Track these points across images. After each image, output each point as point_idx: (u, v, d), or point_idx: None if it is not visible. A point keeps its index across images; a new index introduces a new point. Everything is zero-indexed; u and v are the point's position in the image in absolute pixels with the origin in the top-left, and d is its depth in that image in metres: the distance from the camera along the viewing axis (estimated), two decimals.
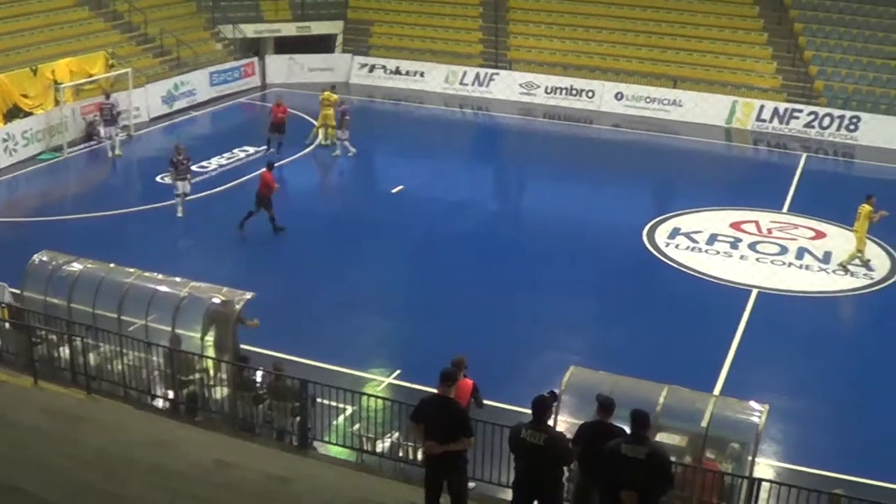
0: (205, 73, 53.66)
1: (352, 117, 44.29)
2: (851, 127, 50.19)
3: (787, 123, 51.28)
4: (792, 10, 55.65)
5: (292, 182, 40.72)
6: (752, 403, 18.75)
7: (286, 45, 60.34)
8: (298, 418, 20.19)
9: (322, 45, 61.24)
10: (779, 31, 55.33)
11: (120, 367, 21.83)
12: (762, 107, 51.92)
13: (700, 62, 54.79)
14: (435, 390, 15.39)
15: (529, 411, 14.62)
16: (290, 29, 60.41)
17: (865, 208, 32.92)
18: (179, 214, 35.47)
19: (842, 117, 50.49)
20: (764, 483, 17.03)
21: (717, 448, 18.06)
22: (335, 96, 45.76)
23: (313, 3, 61.45)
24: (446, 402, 15.23)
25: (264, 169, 35.09)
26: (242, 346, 22.73)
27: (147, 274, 23.71)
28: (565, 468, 15.22)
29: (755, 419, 18.08)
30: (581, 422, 16.56)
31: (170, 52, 53.52)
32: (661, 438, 17.53)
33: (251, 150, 44.09)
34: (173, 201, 36.04)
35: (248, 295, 22.55)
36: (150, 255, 29.26)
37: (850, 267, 33.04)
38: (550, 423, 15.36)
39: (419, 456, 18.86)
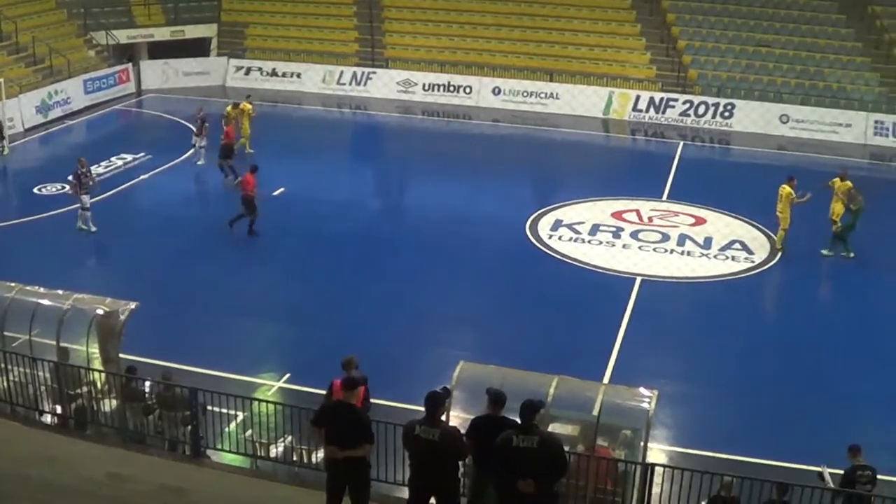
0: (79, 81, 52.81)
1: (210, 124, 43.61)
2: (726, 114, 51.04)
3: (664, 113, 51.97)
4: (664, 1, 56.36)
5: (171, 190, 40.23)
6: (642, 390, 18.92)
7: (160, 50, 59.55)
8: (190, 427, 19.99)
9: (197, 48, 60.57)
10: (651, 22, 56.04)
11: (5, 383, 21.41)
12: (638, 97, 52.58)
13: (575, 55, 55.27)
14: (323, 391, 15.33)
15: (422, 408, 14.58)
16: (163, 33, 59.65)
17: (786, 189, 33.66)
18: (93, 229, 34.74)
19: (716, 105, 51.33)
20: (657, 468, 17.21)
21: (610, 435, 18.21)
22: (250, 105, 45.22)
23: (186, 7, 60.74)
24: (348, 409, 15.10)
25: (248, 172, 35.41)
26: (128, 357, 22.40)
27: (28, 288, 23.26)
28: (461, 463, 15.21)
29: (645, 405, 18.24)
30: (473, 416, 16.60)
31: (43, 61, 52.59)
32: (554, 429, 17.62)
33: (129, 157, 43.47)
34: (57, 212, 35.52)
35: (132, 305, 22.21)
36: (32, 269, 28.72)
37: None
38: (443, 418, 15.37)
39: (314, 459, 18.83)
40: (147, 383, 21.05)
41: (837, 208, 34.41)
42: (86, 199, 34.84)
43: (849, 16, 54.16)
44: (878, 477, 17.75)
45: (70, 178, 35.32)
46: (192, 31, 60.45)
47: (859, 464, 17.77)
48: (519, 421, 14.13)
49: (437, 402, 14.74)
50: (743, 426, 23.48)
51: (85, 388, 21.26)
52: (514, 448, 13.89)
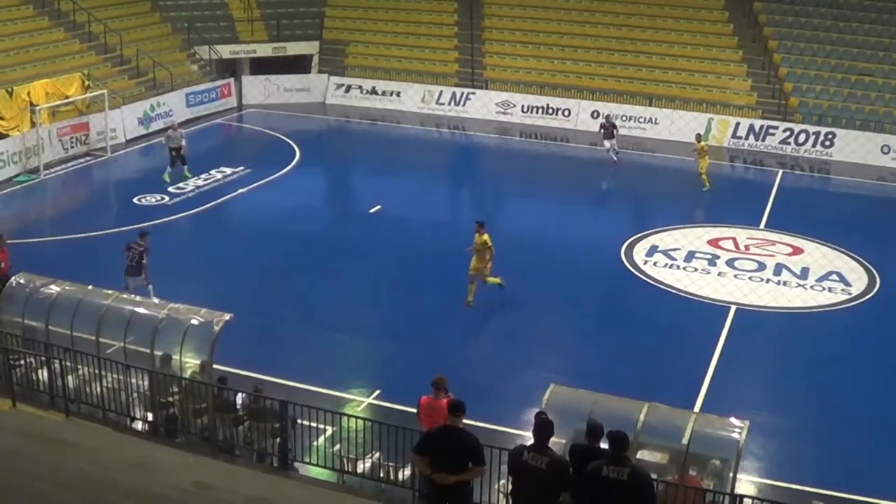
0: (181, 95, 53.57)
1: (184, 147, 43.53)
2: (827, 143, 50.43)
3: (763, 140, 51.49)
4: (766, 28, 55.92)
5: (268, 204, 40.61)
6: (733, 420, 18.72)
7: (262, 66, 60.21)
8: (279, 439, 20.12)
9: (298, 65, 61.16)
10: (753, 48, 55.58)
11: (99, 389, 21.70)
12: (738, 124, 52.13)
13: (675, 80, 54.98)
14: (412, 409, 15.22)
15: (511, 430, 14.55)
16: (265, 50, 60.31)
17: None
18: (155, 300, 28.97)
19: (817, 133, 50.72)
20: (746, 499, 17.00)
21: (699, 465, 18.02)
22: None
23: (289, 24, 61.36)
24: (457, 433, 15.03)
25: None
26: (221, 368, 22.60)
27: (125, 296, 23.61)
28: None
29: (736, 435, 18.05)
30: (562, 441, 16.54)
31: (146, 74, 53.42)
32: (643, 456, 17.51)
33: (228, 170, 44.01)
34: (151, 223, 35.93)
35: (227, 316, 22.41)
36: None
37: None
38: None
39: (401, 476, 18.85)
40: (239, 395, 21.23)
41: None
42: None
43: None
44: None
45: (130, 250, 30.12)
46: (294, 48, 61.00)
47: None
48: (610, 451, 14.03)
49: (547, 429, 14.63)
50: (834, 461, 23.16)
51: (177, 397, 21.49)
52: (603, 478, 13.77)
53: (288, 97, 58.38)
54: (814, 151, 50.53)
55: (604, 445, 14.80)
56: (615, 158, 47.38)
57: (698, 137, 45.06)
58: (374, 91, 58.90)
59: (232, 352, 23.39)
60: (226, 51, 59.13)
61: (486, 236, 30.44)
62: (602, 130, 48.27)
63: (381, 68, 59.92)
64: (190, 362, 22.52)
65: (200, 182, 42.17)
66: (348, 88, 59.47)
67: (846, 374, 27.72)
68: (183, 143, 42.92)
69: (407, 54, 60.53)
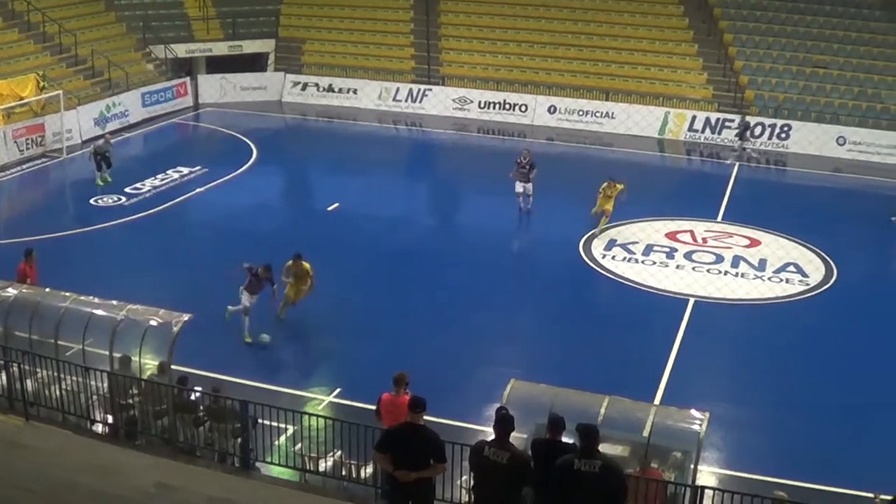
0: (136, 94, 53.30)
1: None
2: (783, 135, 50.75)
3: (720, 133, 51.77)
4: (721, 21, 56.19)
5: (226, 203, 40.46)
6: (693, 411, 18.82)
7: (218, 65, 60.02)
8: (240, 439, 20.05)
9: (254, 63, 61.04)
10: (709, 42, 55.85)
11: (58, 392, 21.56)
12: (694, 117, 52.43)
13: (632, 74, 55.16)
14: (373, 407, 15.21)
15: (472, 426, 14.56)
16: (221, 48, 60.09)
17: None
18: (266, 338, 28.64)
19: (773, 126, 51.04)
20: (707, 491, 17.08)
21: (660, 457, 18.10)
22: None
23: (245, 22, 61.15)
24: (418, 430, 15.00)
25: None
26: (181, 368, 22.52)
27: (83, 298, 23.45)
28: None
29: (696, 427, 18.16)
30: (524, 435, 16.57)
31: (101, 74, 53.11)
32: (604, 449, 17.46)
33: (185, 170, 43.82)
34: (108, 224, 35.77)
35: (186, 317, 22.33)
36: (85, 279, 28.95)
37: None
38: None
39: (363, 474, 18.84)
40: (197, 394, 21.16)
41: None
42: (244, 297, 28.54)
43: None
44: None
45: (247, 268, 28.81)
46: (250, 46, 60.86)
47: None
48: (576, 444, 14.05)
49: (508, 424, 14.63)
50: (794, 450, 23.29)
51: (137, 399, 21.39)
52: (575, 472, 13.79)
53: (244, 95, 58.22)
54: (770, 144, 50.83)
55: (565, 439, 14.85)
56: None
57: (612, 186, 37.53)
58: (330, 88, 58.83)
59: (192, 352, 23.30)
60: (181, 50, 58.81)
61: (307, 265, 29.44)
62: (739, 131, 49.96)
63: (337, 65, 59.86)
64: (149, 363, 22.46)
65: (157, 182, 41.98)
66: (305, 86, 59.37)
67: (804, 365, 27.92)
68: (110, 149, 42.54)
69: (363, 51, 60.49)
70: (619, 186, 36.58)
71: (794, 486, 20.46)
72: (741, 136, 49.28)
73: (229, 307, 28.41)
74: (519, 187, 39.32)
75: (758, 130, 51.01)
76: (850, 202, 43.49)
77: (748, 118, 50.22)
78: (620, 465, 14.77)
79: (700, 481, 17.96)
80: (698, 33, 56.34)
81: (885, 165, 47.36)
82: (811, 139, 50.19)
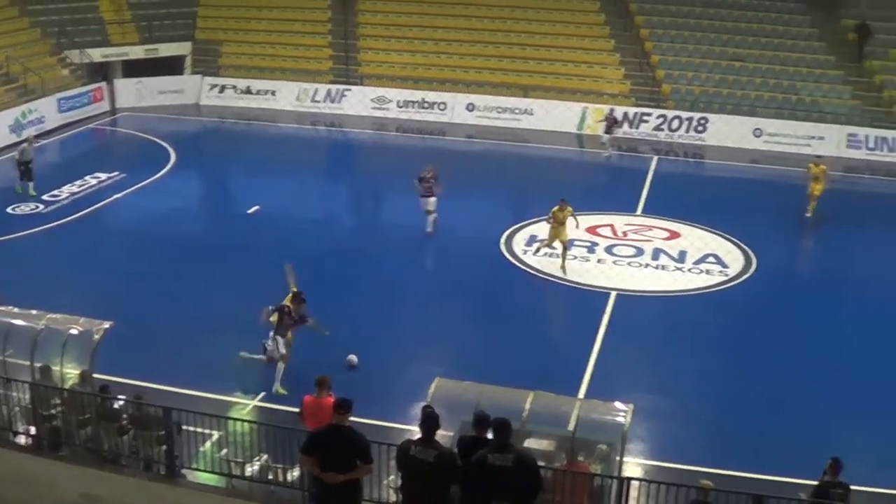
0: (52, 100, 52.58)
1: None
2: (700, 128, 51.26)
3: (637, 127, 52.16)
4: (637, 17, 56.64)
5: (145, 208, 40.08)
6: (617, 404, 18.93)
7: (135, 69, 59.34)
8: (165, 447, 19.88)
9: (171, 66, 60.42)
10: (625, 37, 56.27)
11: None
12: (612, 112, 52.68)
13: (549, 71, 55.40)
14: (297, 410, 15.14)
15: (398, 426, 14.55)
16: (138, 52, 59.43)
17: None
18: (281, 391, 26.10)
19: (690, 119, 51.57)
20: (633, 482, 17.19)
21: (586, 450, 18.21)
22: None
23: (161, 25, 60.54)
24: (344, 431, 14.87)
25: None
26: (103, 377, 22.29)
27: (2, 308, 23.16)
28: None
29: (620, 419, 18.27)
30: (450, 433, 16.59)
31: (16, 80, 52.41)
32: (530, 444, 17.64)
33: (103, 176, 43.33)
34: (26, 232, 35.35)
35: (106, 324, 22.10)
36: (3, 289, 28.51)
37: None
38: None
39: (290, 478, 18.76)
40: (120, 403, 20.96)
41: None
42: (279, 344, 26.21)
43: (821, 30, 54.53)
44: (852, 487, 17.83)
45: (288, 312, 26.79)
46: (167, 49, 60.19)
47: (833, 481, 17.80)
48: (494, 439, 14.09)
49: (433, 422, 14.62)
50: (718, 439, 23.55)
51: (60, 409, 21.15)
52: (489, 466, 13.82)
53: (162, 99, 57.69)
54: (687, 137, 51.36)
55: (491, 436, 14.89)
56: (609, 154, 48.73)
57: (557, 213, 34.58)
58: (248, 90, 58.48)
59: (114, 360, 23.08)
60: (97, 54, 58.13)
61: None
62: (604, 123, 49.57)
63: (255, 67, 59.56)
64: (71, 373, 22.21)
65: (75, 189, 41.50)
66: (223, 88, 58.97)
67: (726, 354, 28.25)
68: (32, 156, 41.98)
69: (281, 52, 60.23)
70: (570, 209, 34.14)
71: (719, 474, 20.64)
72: (609, 129, 49.43)
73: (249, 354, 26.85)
74: (423, 203, 37.03)
75: (675, 124, 51.46)
76: (767, 193, 43.96)
77: (615, 113, 50.80)
78: (534, 458, 14.80)
79: (626, 473, 18.04)
80: (615, 29, 56.74)
81: (801, 156, 47.85)
82: (728, 131, 50.71)
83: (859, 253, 36.24)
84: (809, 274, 35.64)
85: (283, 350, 25.89)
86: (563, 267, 33.42)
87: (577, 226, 34.62)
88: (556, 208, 33.86)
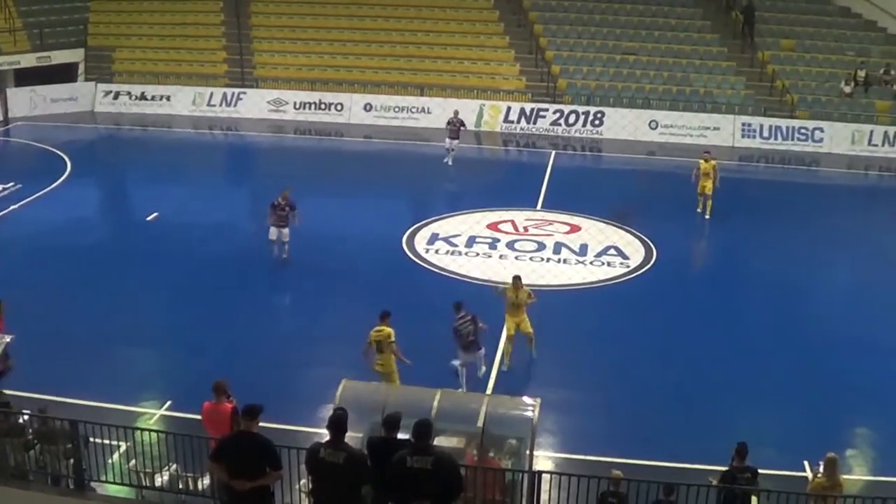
0: None
1: None
2: (596, 122, 51.70)
3: (535, 123, 52.46)
4: (531, 13, 57.00)
5: (43, 220, 39.46)
6: (525, 399, 19.06)
7: (28, 77, 58.31)
8: (72, 460, 19.62)
9: (65, 74, 59.52)
10: (519, 34, 56.59)
11: None
12: (509, 108, 53.06)
13: (445, 69, 55.58)
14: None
15: (307, 429, 14.50)
16: (29, 60, 58.28)
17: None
18: None
19: (587, 113, 52.00)
20: (544, 475, 17.29)
21: (496, 446, 18.29)
22: None
23: (52, 32, 59.56)
24: (251, 437, 14.82)
25: None
26: (7, 392, 21.96)
27: None
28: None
29: (529, 414, 18.38)
30: (359, 435, 16.56)
31: None
32: (440, 442, 17.63)
33: None
34: None
35: (8, 338, 21.80)
36: None
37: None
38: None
39: (200, 486, 18.62)
40: (23, 418, 20.65)
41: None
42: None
43: (713, 21, 55.40)
44: (759, 471, 18.08)
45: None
46: (59, 57, 59.22)
47: (741, 466, 18.04)
48: (411, 440, 14.07)
49: (342, 423, 14.54)
50: (626, 429, 23.69)
51: None
52: (408, 469, 13.81)
53: (56, 108, 56.87)
54: (584, 131, 51.77)
55: (402, 436, 14.87)
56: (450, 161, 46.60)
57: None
58: (143, 97, 57.84)
59: (16, 374, 22.73)
60: None
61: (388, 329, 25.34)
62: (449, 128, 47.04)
63: (149, 73, 58.93)
64: None
65: None
66: (117, 95, 58.26)
67: (630, 345, 28.48)
68: None
69: (175, 57, 59.70)
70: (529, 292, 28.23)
71: (629, 463, 20.82)
72: (455, 134, 46.61)
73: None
74: (273, 233, 34.06)
75: (572, 118, 51.83)
76: (664, 184, 44.45)
77: (460, 116, 47.83)
78: (454, 459, 14.80)
79: (537, 466, 18.19)
80: (509, 25, 57.03)
81: (697, 146, 48.36)
82: (624, 124, 51.25)
83: (756, 240, 36.78)
84: (710, 263, 36.11)
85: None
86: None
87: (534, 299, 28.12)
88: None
